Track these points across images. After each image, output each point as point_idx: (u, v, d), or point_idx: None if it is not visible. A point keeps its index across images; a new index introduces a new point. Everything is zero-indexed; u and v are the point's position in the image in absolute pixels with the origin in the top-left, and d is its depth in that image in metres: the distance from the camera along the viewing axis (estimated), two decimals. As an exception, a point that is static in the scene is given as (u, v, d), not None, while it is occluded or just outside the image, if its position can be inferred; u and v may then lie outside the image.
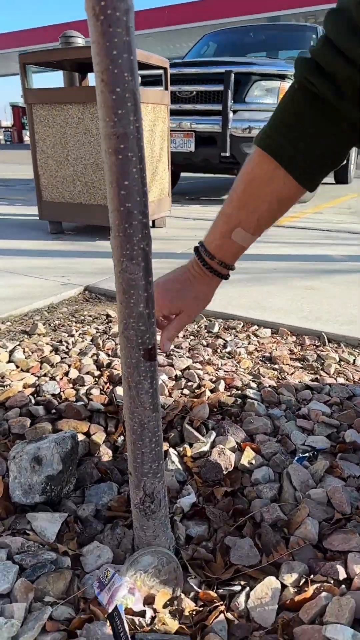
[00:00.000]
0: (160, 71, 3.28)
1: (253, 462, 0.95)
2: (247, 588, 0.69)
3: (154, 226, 3.53)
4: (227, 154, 4.18)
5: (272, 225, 0.75)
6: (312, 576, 0.69)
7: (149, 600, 0.70)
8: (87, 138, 2.83)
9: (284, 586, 0.69)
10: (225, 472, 0.94)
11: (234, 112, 4.15)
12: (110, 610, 0.68)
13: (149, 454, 0.68)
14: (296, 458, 0.96)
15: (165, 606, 0.69)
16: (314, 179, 0.67)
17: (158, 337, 0.77)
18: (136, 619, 0.67)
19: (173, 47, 19.64)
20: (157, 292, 0.77)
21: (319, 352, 1.44)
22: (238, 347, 1.47)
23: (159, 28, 17.78)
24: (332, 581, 0.68)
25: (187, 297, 0.80)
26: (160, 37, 18.45)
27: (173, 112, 4.24)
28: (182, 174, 6.72)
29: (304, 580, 0.69)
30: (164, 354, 1.42)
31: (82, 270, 2.32)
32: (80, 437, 1.02)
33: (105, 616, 0.67)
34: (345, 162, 4.31)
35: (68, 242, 3.03)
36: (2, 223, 3.63)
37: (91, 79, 3.57)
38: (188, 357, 1.39)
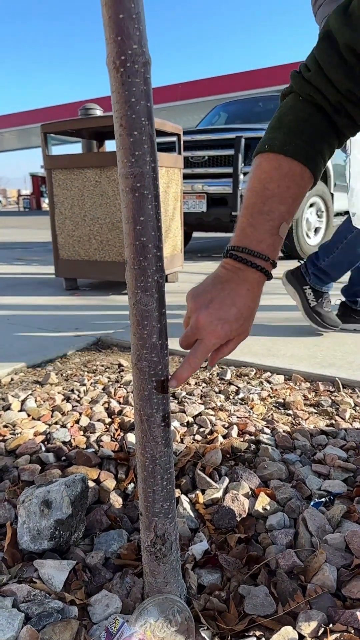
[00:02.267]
0: (174, 138, 3.48)
1: (267, 507, 0.92)
2: (263, 639, 0.65)
3: (166, 281, 3.61)
4: (238, 213, 4.32)
5: None
6: (331, 625, 0.65)
7: (159, 653, 0.66)
8: (104, 199, 2.97)
9: (301, 637, 0.65)
10: (238, 519, 0.90)
11: (244, 174, 4.34)
12: (117, 663, 0.64)
13: (161, 492, 0.67)
14: (312, 503, 0.92)
15: (176, 660, 0.65)
16: (321, 173, 0.72)
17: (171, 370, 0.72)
18: (145, 672, 0.63)
19: (186, 120, 20.86)
20: (212, 321, 0.65)
21: (333, 398, 1.42)
22: (251, 394, 1.45)
23: (171, 102, 19.02)
24: (352, 630, 0.63)
25: (243, 313, 0.67)
26: (173, 110, 19.68)
27: (186, 176, 4.46)
28: (194, 234, 6.95)
29: (322, 630, 0.65)
30: (176, 401, 1.41)
31: (95, 323, 2.36)
32: (91, 484, 1.00)
33: (113, 669, 0.63)
34: None
35: (82, 297, 3.10)
36: (20, 282, 3.75)
37: (108, 146, 3.80)
38: (200, 404, 1.38)
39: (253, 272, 0.67)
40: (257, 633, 0.67)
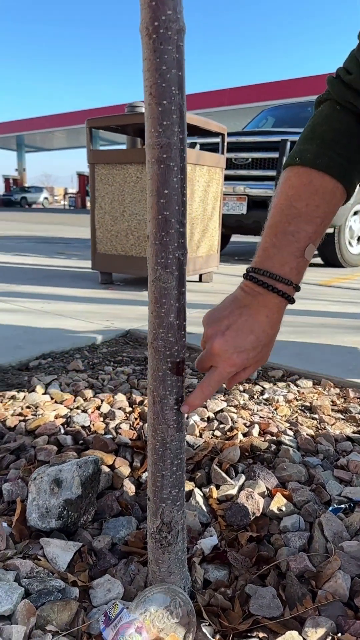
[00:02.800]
0: (218, 138, 3.47)
1: (283, 509, 0.89)
2: (266, 641, 0.62)
3: (200, 280, 3.59)
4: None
5: None
6: (339, 635, 0.61)
7: (157, 644, 0.64)
8: (143, 196, 2.99)
9: (307, 643, 0.61)
10: (252, 517, 0.87)
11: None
12: (113, 648, 0.63)
13: (170, 477, 0.65)
14: (331, 508, 0.88)
15: (174, 652, 0.63)
16: (355, 187, 0.67)
17: (192, 381, 0.69)
18: (140, 661, 0.61)
19: (233, 125, 20.87)
20: (229, 347, 0.62)
21: (362, 406, 1.36)
22: (276, 395, 1.41)
23: (219, 107, 19.02)
24: (362, 642, 0.59)
25: (261, 341, 0.63)
26: (220, 115, 19.69)
27: (228, 177, 4.43)
28: (233, 238, 6.89)
29: (330, 638, 0.61)
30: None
31: (126, 316, 2.37)
32: (105, 469, 0.99)
33: (108, 654, 0.62)
34: None
35: (116, 291, 3.12)
36: (57, 274, 3.81)
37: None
38: (222, 400, 1.35)
39: (274, 297, 0.62)
40: (261, 635, 0.64)
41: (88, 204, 27.81)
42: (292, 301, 0.64)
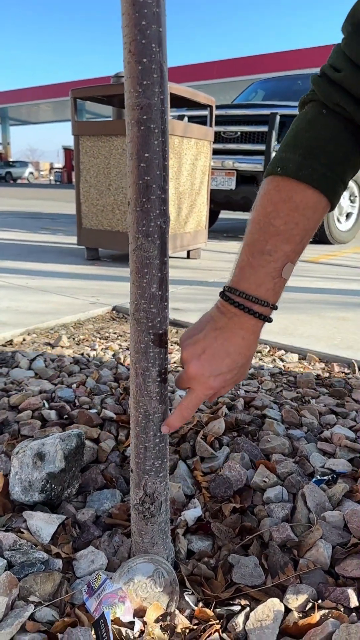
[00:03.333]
0: (206, 111, 3.39)
1: (266, 480, 0.89)
2: (247, 609, 0.63)
3: (188, 257, 3.56)
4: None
5: None
6: (320, 601, 0.62)
7: (139, 613, 0.65)
8: (129, 169, 2.92)
9: (288, 610, 0.62)
10: (235, 489, 0.88)
11: (277, 152, 4.22)
12: (96, 618, 0.63)
13: (152, 449, 0.65)
14: (314, 480, 0.89)
15: (156, 621, 0.63)
16: (339, 197, 0.62)
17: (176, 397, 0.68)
18: (123, 630, 0.61)
19: (222, 99, 20.46)
20: (205, 372, 0.61)
21: (347, 379, 1.37)
22: (262, 370, 1.42)
23: (207, 80, 18.62)
24: (342, 608, 0.60)
25: (237, 362, 0.62)
26: (208, 89, 19.30)
27: (217, 152, 4.35)
28: (221, 215, 6.83)
29: (310, 605, 0.62)
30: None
31: (112, 292, 2.34)
32: (90, 443, 0.99)
33: (91, 623, 0.62)
34: None
35: (102, 267, 3.09)
36: (43, 250, 3.75)
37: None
38: (208, 375, 1.35)
39: (250, 318, 0.60)
40: (243, 602, 0.65)
41: (74, 179, 27.24)
42: (269, 320, 0.62)
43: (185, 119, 4.43)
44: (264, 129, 4.21)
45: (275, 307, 0.62)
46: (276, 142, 4.18)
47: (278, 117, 4.11)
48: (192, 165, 3.17)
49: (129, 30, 0.51)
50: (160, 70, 0.52)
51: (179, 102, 3.17)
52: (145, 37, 0.51)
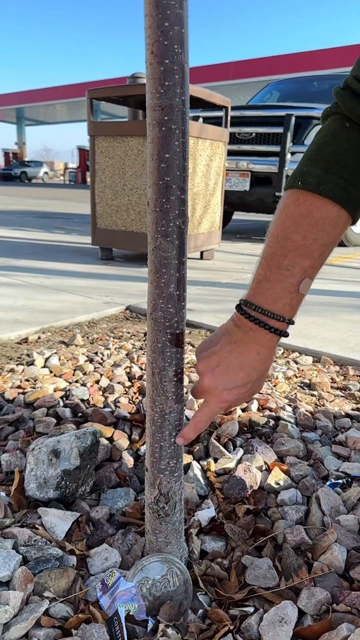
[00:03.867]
0: (222, 112, 3.39)
1: (280, 482, 0.89)
2: (261, 611, 0.63)
3: (201, 258, 3.56)
4: (282, 194, 4.21)
5: None
6: (334, 605, 0.62)
7: (153, 611, 0.65)
8: (144, 169, 2.93)
9: (302, 613, 0.62)
10: (249, 491, 0.88)
11: (292, 153, 4.20)
12: (110, 615, 0.63)
13: (168, 449, 0.65)
14: (328, 483, 0.88)
15: (169, 620, 0.63)
16: None
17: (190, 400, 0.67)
18: (137, 628, 0.62)
19: (237, 100, 20.43)
20: (219, 388, 0.61)
21: (362, 383, 1.36)
22: (276, 372, 1.41)
23: (223, 81, 18.60)
24: (356, 612, 0.60)
25: (251, 377, 0.62)
26: (224, 89, 19.29)
27: (231, 153, 4.35)
28: (235, 217, 6.82)
29: (324, 608, 0.62)
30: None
31: (126, 292, 2.35)
32: (104, 442, 0.99)
33: (105, 620, 0.62)
34: None
35: (116, 267, 3.10)
36: (58, 249, 3.78)
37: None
38: (222, 376, 1.35)
39: (265, 333, 0.59)
40: (256, 604, 0.65)
41: (89, 179, 27.36)
42: (285, 335, 0.61)
43: (200, 119, 4.43)
44: (279, 130, 4.20)
45: (291, 322, 0.61)
46: (291, 144, 4.16)
47: (293, 119, 4.09)
48: (207, 166, 3.17)
49: (152, 32, 0.51)
50: (182, 72, 0.53)
51: (194, 102, 3.17)
52: (168, 38, 0.51)
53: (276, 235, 0.60)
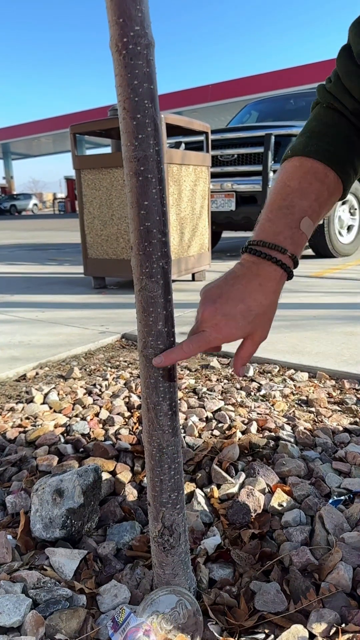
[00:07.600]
0: (202, 137, 3.47)
1: (284, 504, 0.90)
2: (272, 636, 0.63)
3: (193, 279, 3.60)
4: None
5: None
6: (343, 625, 0.63)
7: (165, 646, 0.65)
8: (130, 198, 2.99)
9: (312, 636, 0.63)
10: (253, 514, 0.88)
11: (274, 171, 4.28)
12: (122, 653, 0.64)
13: (168, 481, 0.66)
14: (330, 501, 0.89)
15: (182, 653, 0.64)
16: (351, 178, 0.70)
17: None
18: (150, 664, 0.62)
19: (218, 121, 20.80)
20: (220, 318, 0.61)
21: (358, 396, 1.37)
22: (273, 390, 1.43)
23: (202, 104, 19.01)
24: (365, 631, 0.61)
25: (252, 310, 0.62)
26: (204, 112, 19.67)
27: (215, 175, 4.43)
28: (223, 235, 6.90)
29: (334, 629, 0.62)
30: (196, 396, 1.40)
31: (121, 320, 2.38)
32: (107, 475, 1.00)
33: (118, 659, 0.63)
34: None
35: (109, 295, 3.13)
36: (50, 281, 3.81)
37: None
38: (220, 399, 1.36)
39: (268, 264, 0.62)
40: (267, 630, 0.65)
41: (77, 208, 27.60)
42: (289, 272, 0.63)
43: (182, 145, 4.53)
44: (260, 150, 4.29)
45: (295, 258, 0.64)
46: (272, 162, 4.25)
47: (273, 138, 4.18)
48: (192, 190, 3.24)
49: (123, 90, 0.55)
50: (154, 124, 0.56)
51: (175, 130, 3.25)
52: (138, 95, 0.54)
53: (274, 188, 0.68)
